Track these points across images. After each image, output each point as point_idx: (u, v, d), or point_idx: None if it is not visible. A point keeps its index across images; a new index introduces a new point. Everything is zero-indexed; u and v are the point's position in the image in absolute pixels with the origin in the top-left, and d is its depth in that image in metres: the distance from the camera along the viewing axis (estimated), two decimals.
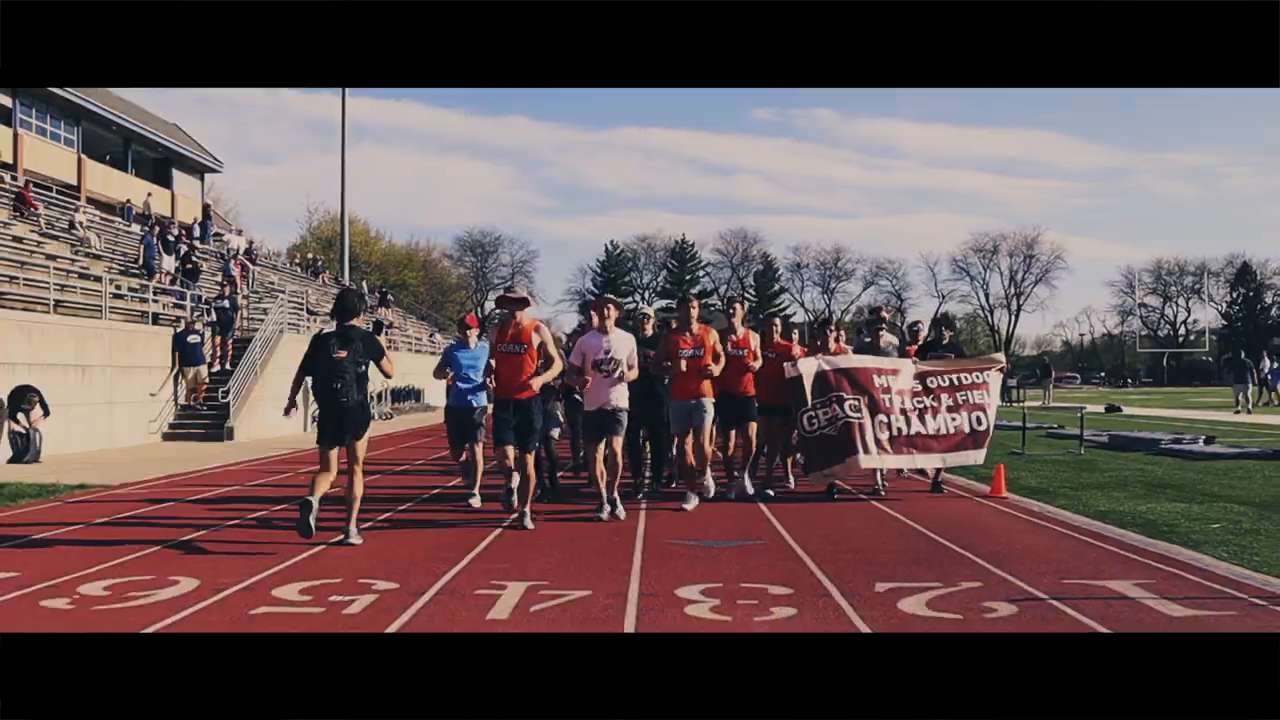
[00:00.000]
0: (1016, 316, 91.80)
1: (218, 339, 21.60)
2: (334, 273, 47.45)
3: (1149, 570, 6.40)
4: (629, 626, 4.99)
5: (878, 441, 9.70)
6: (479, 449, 10.05)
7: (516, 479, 8.62)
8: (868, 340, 11.48)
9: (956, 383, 10.07)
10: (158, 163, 42.62)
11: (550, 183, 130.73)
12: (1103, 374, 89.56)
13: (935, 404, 9.96)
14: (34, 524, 8.66)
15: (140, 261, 23.60)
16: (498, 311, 9.22)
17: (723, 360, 9.54)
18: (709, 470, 9.87)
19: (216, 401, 19.65)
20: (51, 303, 17.19)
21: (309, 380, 7.84)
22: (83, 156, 36.81)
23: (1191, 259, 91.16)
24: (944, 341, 11.32)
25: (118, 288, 20.32)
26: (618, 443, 8.92)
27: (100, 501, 10.26)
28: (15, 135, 33.26)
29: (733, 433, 10.24)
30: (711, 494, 9.89)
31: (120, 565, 6.79)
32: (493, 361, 8.52)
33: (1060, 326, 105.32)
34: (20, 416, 14.53)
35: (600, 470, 8.88)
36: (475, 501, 9.71)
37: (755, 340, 10.21)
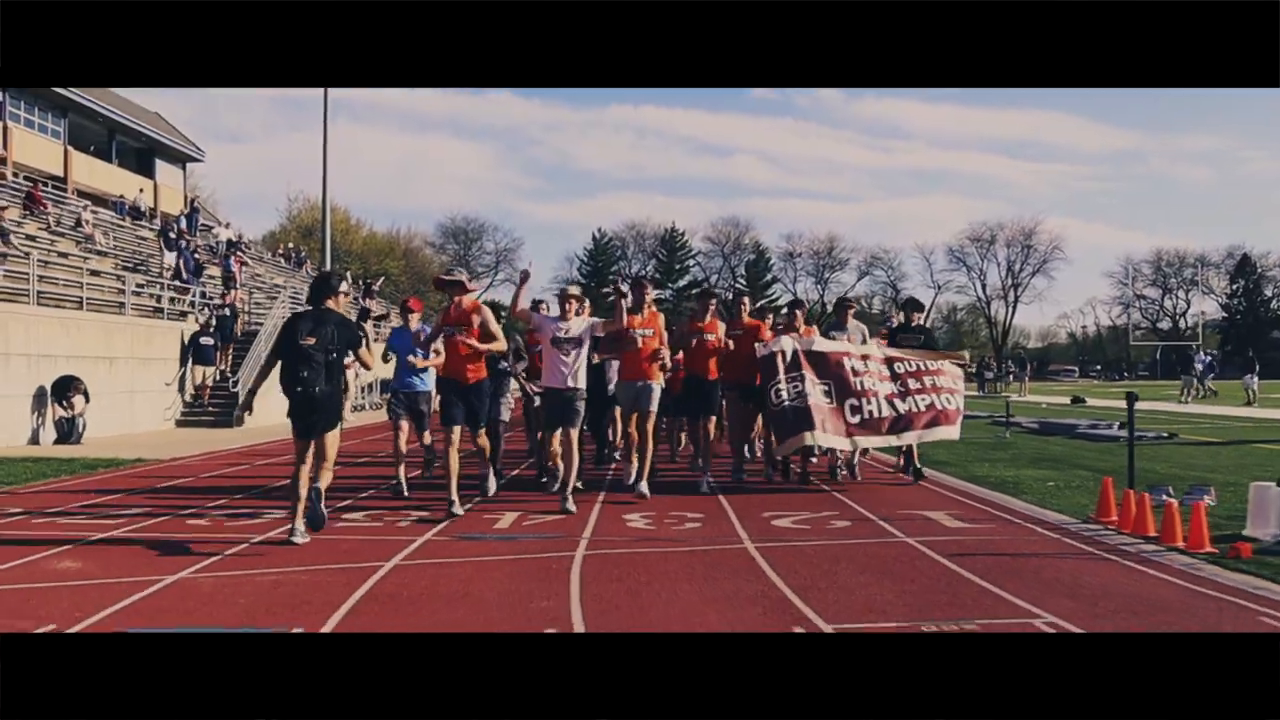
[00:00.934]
0: (1014, 308, 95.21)
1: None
2: (316, 263, 50.48)
3: (964, 506, 9.50)
4: (588, 531, 8.04)
5: (848, 425, 10.51)
6: (428, 435, 10.97)
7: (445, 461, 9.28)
8: (835, 321, 12.52)
9: (923, 368, 11.12)
10: (140, 153, 45.47)
11: (537, 163, 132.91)
12: (1099, 367, 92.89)
13: (903, 389, 10.90)
14: (123, 485, 11.68)
15: (170, 266, 26.45)
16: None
17: (665, 347, 10.37)
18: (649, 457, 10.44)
19: (227, 391, 22.68)
20: (83, 300, 20.20)
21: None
22: (69, 148, 39.67)
23: (1191, 250, 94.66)
24: (912, 325, 12.26)
25: (124, 283, 23.25)
26: (574, 434, 9.54)
27: (165, 470, 13.28)
28: (4, 128, 36.09)
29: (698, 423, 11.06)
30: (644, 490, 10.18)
31: (220, 505, 9.86)
32: (437, 345, 9.39)
33: (1064, 318, 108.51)
34: (64, 403, 17.55)
35: (556, 454, 9.76)
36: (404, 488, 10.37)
37: (721, 329, 11.01)
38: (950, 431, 10.99)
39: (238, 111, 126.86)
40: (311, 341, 7.49)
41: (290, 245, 53.09)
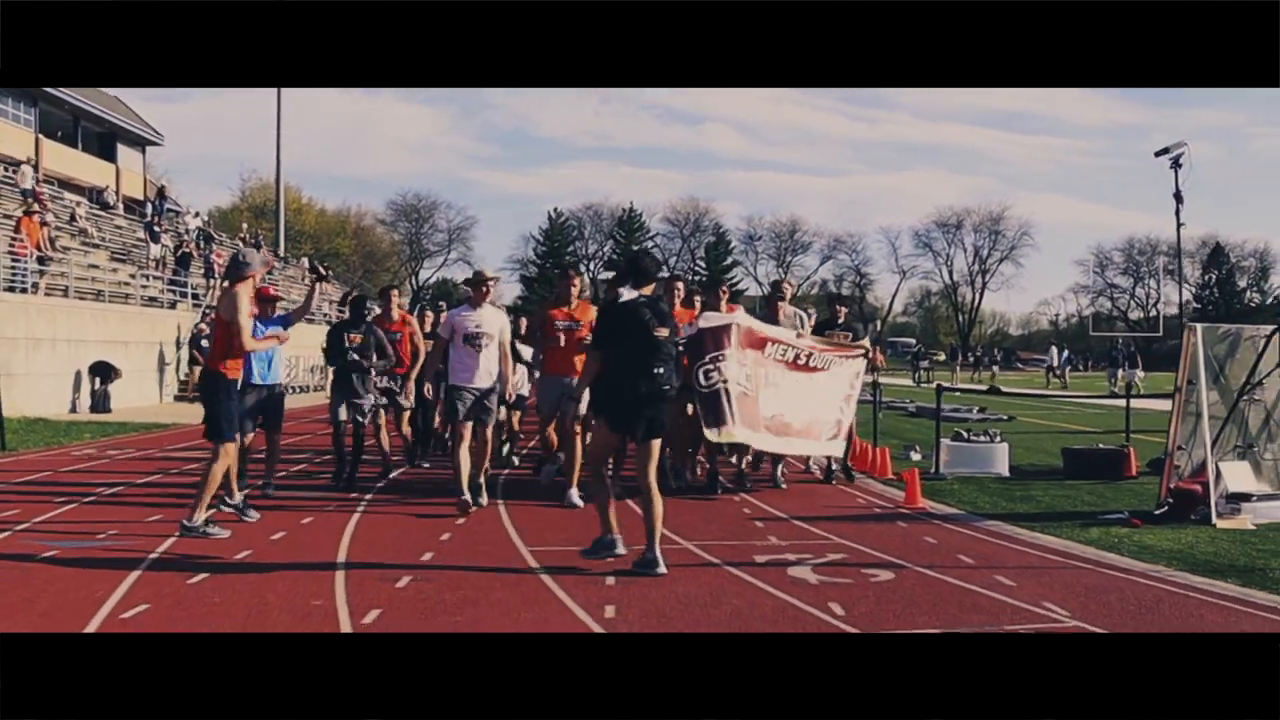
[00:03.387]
0: (981, 295, 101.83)
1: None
2: (269, 244, 55.86)
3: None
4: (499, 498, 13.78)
5: (753, 417, 10.98)
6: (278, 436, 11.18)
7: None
8: (765, 313, 12.84)
9: (828, 365, 11.89)
10: (102, 137, 50.56)
11: (493, 129, 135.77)
12: (1073, 358, 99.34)
13: (811, 388, 11.63)
14: (181, 443, 17.42)
15: (156, 257, 32.15)
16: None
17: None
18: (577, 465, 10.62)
19: None
20: (106, 294, 25.97)
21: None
22: (39, 136, 44.90)
23: (1165, 237, 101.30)
24: (839, 320, 12.97)
25: (131, 276, 28.94)
26: (488, 432, 9.95)
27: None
28: None
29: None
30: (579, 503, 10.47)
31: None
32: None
33: (1045, 304, 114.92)
34: (107, 382, 23.30)
35: (464, 458, 9.60)
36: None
37: None
38: (837, 447, 12.33)
39: None
40: (665, 333, 7.47)
41: (246, 226, 58.33)
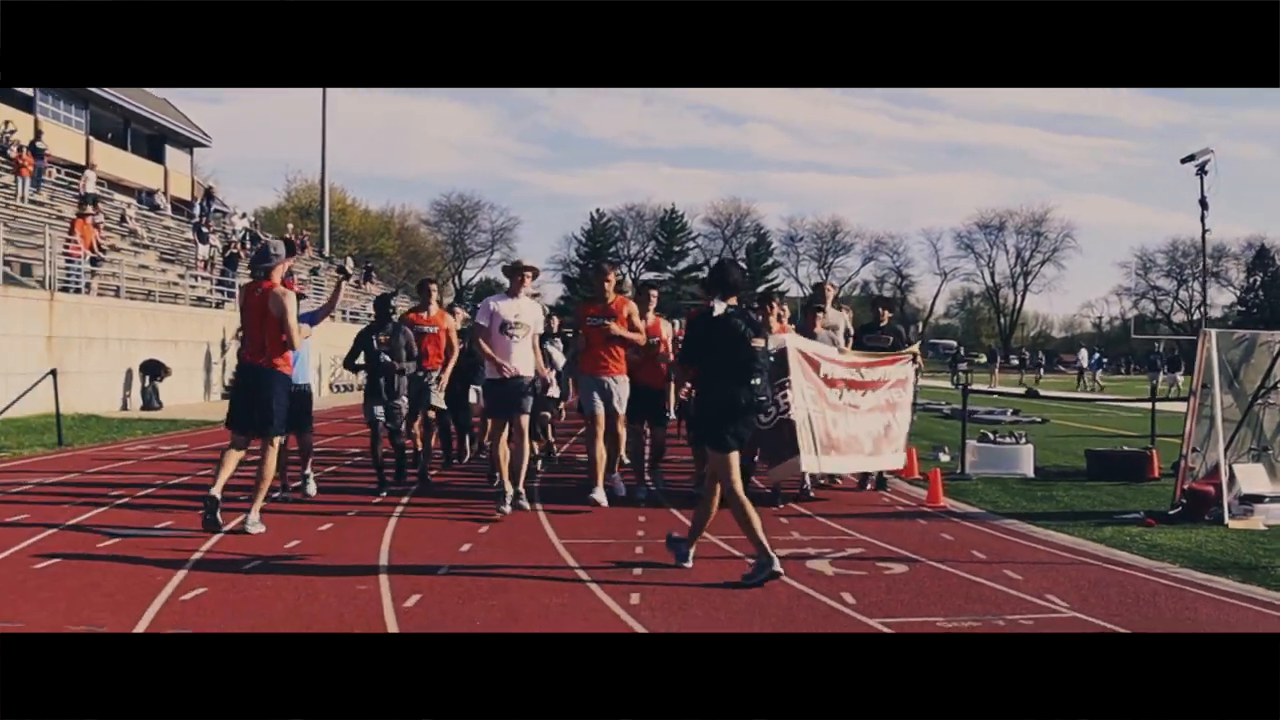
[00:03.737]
0: (1023, 297, 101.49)
1: None
2: (314, 244, 56.80)
3: None
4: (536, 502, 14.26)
5: (826, 440, 10.63)
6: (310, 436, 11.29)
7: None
8: (802, 324, 12.35)
9: (884, 378, 11.51)
10: (151, 139, 51.70)
11: (540, 130, 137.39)
12: (1104, 361, 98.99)
13: (863, 403, 11.21)
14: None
15: (204, 258, 33.03)
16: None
17: (641, 334, 10.51)
18: (617, 466, 10.91)
19: None
20: (156, 294, 26.70)
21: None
22: (90, 138, 45.96)
23: (1209, 239, 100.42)
24: (882, 324, 12.72)
25: (180, 276, 29.68)
26: (524, 421, 9.81)
27: None
28: (35, 121, 42.38)
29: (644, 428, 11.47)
30: (622, 492, 10.85)
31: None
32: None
33: (1088, 307, 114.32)
34: (157, 380, 24.00)
35: (503, 453, 9.77)
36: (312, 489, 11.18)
37: (667, 329, 11.56)
38: (897, 459, 11.93)
39: None
40: (761, 344, 7.45)
41: (292, 227, 59.23)
